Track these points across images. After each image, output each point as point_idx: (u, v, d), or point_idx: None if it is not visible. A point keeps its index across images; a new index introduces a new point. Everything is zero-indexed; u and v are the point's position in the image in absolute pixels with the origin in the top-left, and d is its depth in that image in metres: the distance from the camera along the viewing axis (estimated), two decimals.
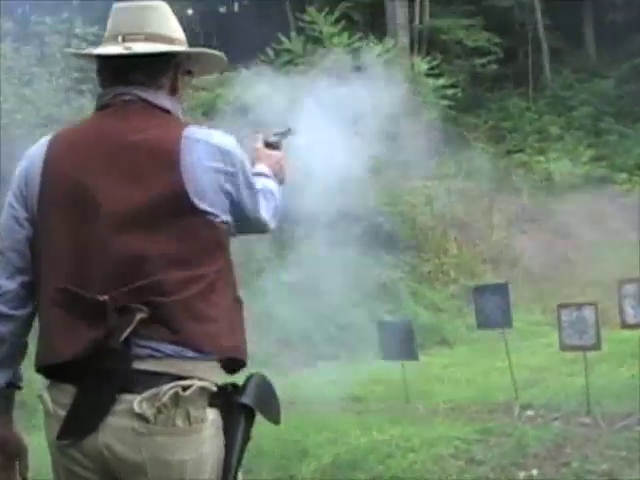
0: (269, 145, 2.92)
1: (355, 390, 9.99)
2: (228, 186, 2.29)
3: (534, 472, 5.69)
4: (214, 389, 2.18)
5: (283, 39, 17.93)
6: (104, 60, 2.39)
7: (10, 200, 2.32)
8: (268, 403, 2.36)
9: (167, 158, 2.20)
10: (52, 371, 2.22)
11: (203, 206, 2.21)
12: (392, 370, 9.12)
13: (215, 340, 2.19)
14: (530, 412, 7.75)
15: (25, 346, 2.33)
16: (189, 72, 2.51)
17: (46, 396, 2.23)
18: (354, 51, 15.62)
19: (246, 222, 2.42)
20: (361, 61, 15.49)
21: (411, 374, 9.35)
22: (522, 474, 5.69)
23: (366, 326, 11.47)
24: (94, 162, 2.23)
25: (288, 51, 17.68)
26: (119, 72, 2.35)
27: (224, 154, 2.28)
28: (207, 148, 2.26)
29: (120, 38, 2.35)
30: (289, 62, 17.00)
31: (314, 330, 13.17)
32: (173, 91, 2.40)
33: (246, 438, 2.26)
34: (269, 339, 12.54)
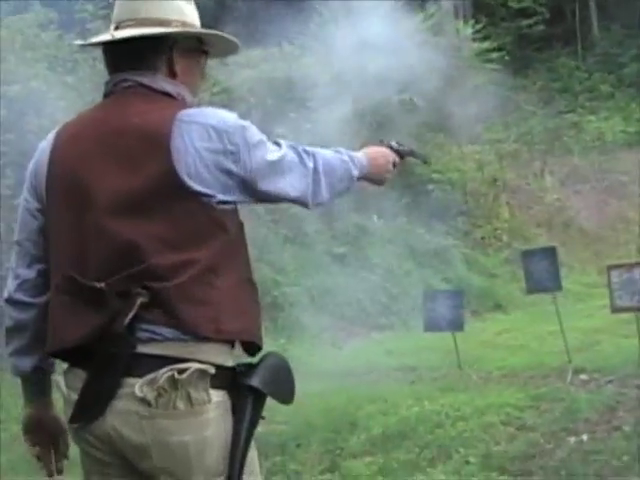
0: (391, 148, 2.78)
1: (409, 359, 10.00)
2: (229, 165, 2.23)
3: (584, 437, 5.64)
4: (212, 371, 2.16)
5: (323, 11, 17.82)
6: (104, 49, 2.41)
7: (24, 193, 2.40)
8: (279, 384, 2.32)
9: (158, 142, 2.19)
10: (64, 356, 2.27)
11: (198, 188, 2.18)
12: (445, 338, 9.11)
13: (214, 323, 2.17)
14: (583, 376, 7.68)
15: (46, 332, 2.37)
16: (204, 52, 2.47)
17: (61, 381, 2.29)
18: (398, 18, 15.44)
19: (266, 197, 2.34)
20: (406, 27, 15.38)
21: (464, 341, 9.33)
22: (572, 439, 5.65)
23: (419, 295, 11.43)
24: (92, 150, 2.26)
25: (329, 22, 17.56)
26: (115, 59, 2.37)
27: (219, 132, 2.23)
28: (199, 128, 2.22)
29: (113, 26, 2.37)
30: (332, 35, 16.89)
31: (367, 301, 13.20)
32: (171, 74, 2.37)
33: (255, 419, 2.25)
34: (323, 312, 12.58)
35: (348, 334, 12.30)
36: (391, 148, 2.77)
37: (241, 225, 2.34)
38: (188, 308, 2.14)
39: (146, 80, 2.32)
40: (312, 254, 13.53)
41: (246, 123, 2.30)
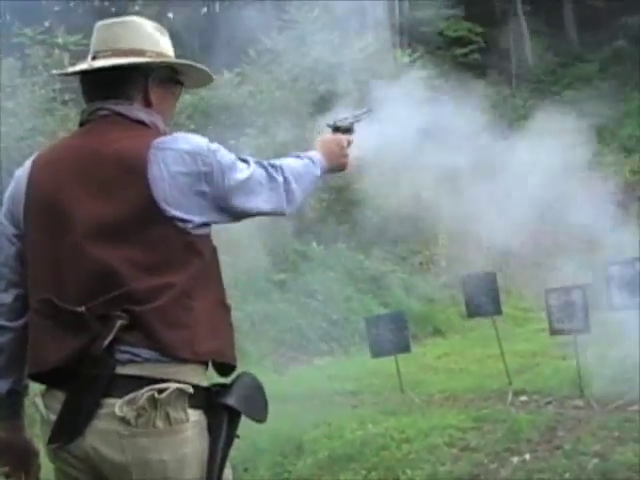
0: (337, 129, 2.86)
1: (350, 384, 10.05)
2: (203, 186, 2.30)
3: (527, 456, 5.75)
4: (190, 391, 2.22)
5: (264, 39, 17.95)
6: (81, 78, 2.47)
7: (1, 218, 2.44)
8: (253, 403, 2.40)
9: (135, 169, 2.25)
10: (43, 378, 2.30)
11: (175, 213, 2.25)
12: (387, 362, 9.19)
13: (190, 346, 2.24)
14: (524, 397, 7.82)
15: (25, 355, 2.39)
16: (178, 82, 2.56)
17: (39, 402, 2.32)
18: (336, 47, 15.64)
19: (241, 213, 2.43)
20: (342, 57, 15.56)
21: (405, 365, 9.42)
22: (515, 459, 5.75)
23: (359, 320, 11.51)
24: (69, 177, 2.31)
25: (270, 51, 17.70)
26: (92, 88, 2.44)
27: (193, 156, 2.30)
28: (174, 154, 2.29)
29: (90, 56, 2.44)
30: (272, 61, 17.03)
31: (308, 327, 13.23)
32: (146, 103, 2.44)
33: (230, 438, 2.33)
34: (264, 338, 12.58)
35: (289, 360, 12.31)
36: (338, 129, 2.86)
37: (214, 249, 2.42)
38: (166, 330, 2.21)
39: (122, 109, 2.39)
40: (252, 280, 13.53)
41: (216, 146, 2.39)
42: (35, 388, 2.50)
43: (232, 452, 6.57)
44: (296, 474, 6.03)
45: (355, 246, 15.41)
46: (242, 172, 2.39)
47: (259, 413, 2.44)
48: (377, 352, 9.12)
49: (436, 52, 22.94)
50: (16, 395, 2.48)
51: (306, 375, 11.25)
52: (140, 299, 2.19)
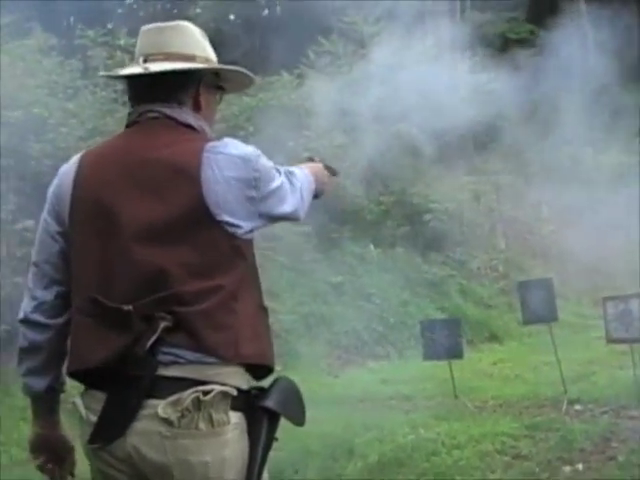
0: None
1: (404, 388, 10.02)
2: (252, 192, 2.35)
3: (579, 466, 5.68)
4: (234, 393, 2.24)
5: (323, 41, 17.96)
6: (129, 81, 2.50)
7: (44, 216, 2.46)
8: (292, 406, 2.41)
9: (188, 172, 2.28)
10: (84, 377, 2.33)
11: (224, 217, 2.28)
12: (441, 367, 9.15)
13: (235, 348, 2.26)
14: (578, 406, 7.73)
15: (64, 353, 2.43)
16: (220, 88, 2.60)
17: (79, 402, 2.33)
18: (395, 50, 15.58)
19: (275, 218, 2.49)
20: (403, 60, 15.49)
21: (460, 371, 9.37)
22: (567, 468, 5.69)
23: (415, 324, 11.45)
24: (119, 178, 2.34)
25: (330, 53, 17.71)
26: (142, 91, 2.46)
27: (245, 161, 2.35)
28: (227, 159, 2.33)
29: (142, 59, 2.45)
30: (330, 64, 17.03)
31: (363, 330, 13.22)
32: (197, 107, 2.47)
33: (270, 440, 2.33)
34: (319, 340, 12.60)
35: (344, 362, 12.31)
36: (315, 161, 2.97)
37: (254, 254, 2.43)
38: (211, 332, 2.23)
39: (172, 112, 2.42)
40: (309, 282, 13.55)
41: (259, 152, 2.43)
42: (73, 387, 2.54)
43: (282, 454, 6.63)
44: (345, 478, 6.03)
45: (413, 250, 15.35)
46: (278, 179, 2.46)
47: (298, 416, 2.45)
48: (430, 356, 9.09)
49: (497, 54, 22.76)
50: (53, 392, 2.51)
51: (360, 378, 11.23)
52: (187, 301, 2.21)
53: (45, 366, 2.46)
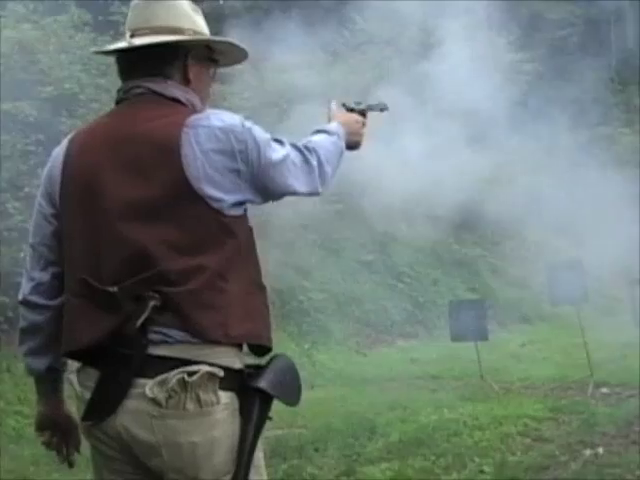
0: (352, 111, 2.84)
1: (432, 368, 10.03)
2: (237, 164, 2.28)
3: (600, 450, 5.64)
4: (221, 374, 2.21)
5: (358, 19, 17.88)
6: (118, 57, 2.46)
7: (38, 198, 2.46)
8: (286, 386, 2.37)
9: (168, 147, 2.24)
10: (77, 355, 2.33)
11: (206, 191, 2.23)
12: (470, 348, 9.12)
13: (223, 329, 2.23)
14: (605, 389, 7.68)
15: (60, 333, 2.41)
16: (214, 61, 2.53)
17: (74, 379, 2.34)
18: (429, 28, 15.49)
19: (275, 193, 2.42)
20: (438, 38, 15.39)
21: (488, 352, 9.35)
22: (588, 452, 5.65)
23: (445, 304, 11.42)
24: (104, 157, 2.32)
25: (364, 31, 17.61)
26: (129, 66, 2.42)
27: (227, 133, 2.28)
28: (206, 131, 2.27)
29: (128, 34, 2.41)
30: (366, 42, 16.96)
31: (393, 309, 13.22)
32: (185, 81, 2.42)
33: (262, 420, 2.31)
34: (349, 318, 12.62)
35: (373, 341, 12.33)
36: (353, 110, 2.84)
37: (250, 230, 2.39)
38: (198, 312, 2.20)
39: (157, 87, 2.37)
40: (340, 260, 13.57)
41: (250, 123, 2.37)
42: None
43: (304, 432, 6.65)
44: (365, 456, 6.03)
45: (445, 229, 15.29)
46: (277, 152, 2.37)
47: (292, 397, 2.41)
48: (456, 337, 9.09)
49: (534, 34, 22.52)
50: (55, 372, 2.51)
51: (389, 357, 11.26)
52: (172, 280, 2.19)
53: (45, 346, 2.47)
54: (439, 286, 14.17)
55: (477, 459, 5.66)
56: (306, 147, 2.46)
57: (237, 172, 2.29)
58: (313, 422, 6.96)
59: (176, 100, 2.38)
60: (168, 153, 2.23)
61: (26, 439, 6.81)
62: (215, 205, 2.25)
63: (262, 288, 2.41)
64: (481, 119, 16.38)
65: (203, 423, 2.20)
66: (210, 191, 2.24)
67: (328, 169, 2.51)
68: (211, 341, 2.21)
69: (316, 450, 6.22)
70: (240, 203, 2.32)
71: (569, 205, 18.19)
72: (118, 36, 10.60)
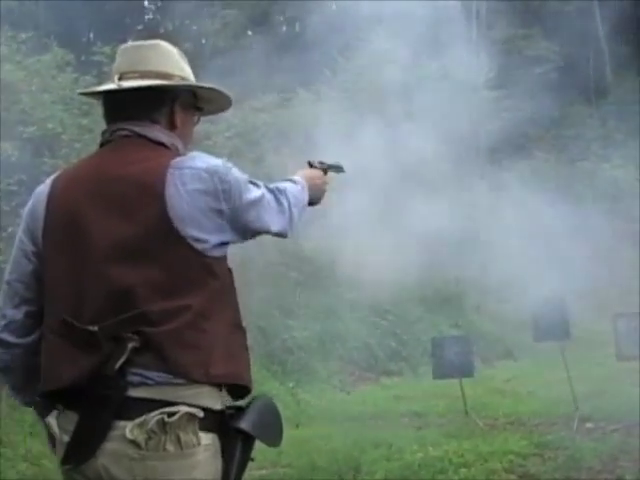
0: (313, 167, 2.94)
1: (416, 405, 10.00)
2: (221, 205, 2.31)
3: None
4: (200, 415, 2.21)
5: (340, 59, 18.02)
6: (104, 98, 2.49)
7: (20, 235, 2.45)
8: (268, 427, 2.38)
9: (152, 189, 2.26)
10: (57, 397, 2.30)
11: (189, 232, 2.24)
12: (454, 384, 9.12)
13: (204, 368, 2.23)
14: (590, 424, 7.69)
15: (38, 369, 2.38)
16: (198, 109, 2.57)
17: (53, 423, 2.31)
18: (411, 67, 15.62)
19: (252, 232, 2.45)
20: (421, 75, 15.53)
21: (473, 388, 9.34)
22: None
23: (429, 340, 11.42)
24: (88, 197, 2.33)
25: (346, 70, 17.74)
26: (115, 108, 2.45)
27: (211, 174, 2.30)
28: (193, 172, 2.29)
29: (117, 77, 2.44)
30: (347, 80, 17.07)
31: (377, 346, 13.20)
32: (172, 126, 2.45)
33: (245, 461, 2.31)
34: (332, 356, 12.59)
35: (357, 379, 12.30)
36: (316, 167, 2.94)
37: (230, 271, 2.40)
38: (179, 352, 2.20)
39: (143, 130, 2.39)
40: (323, 298, 13.55)
41: (231, 164, 2.40)
42: None
43: (289, 471, 6.61)
44: None
45: (425, 266, 15.30)
46: (254, 192, 2.42)
47: (274, 437, 2.41)
48: (440, 374, 9.06)
49: (514, 71, 22.75)
50: (45, 399, 2.41)
51: (373, 394, 11.23)
52: (154, 321, 2.19)
53: (25, 382, 2.47)
54: (422, 323, 14.17)
55: None
56: (277, 189, 2.53)
57: (220, 212, 2.31)
58: (298, 461, 6.92)
59: (160, 144, 2.40)
60: (153, 193, 2.25)
61: None
62: (198, 246, 2.26)
63: (242, 329, 2.42)
64: (460, 156, 16.51)
65: (184, 465, 2.19)
66: (193, 232, 2.26)
67: (295, 212, 2.57)
68: (192, 380, 2.21)
69: None
70: (222, 244, 2.34)
71: (549, 239, 18.30)
72: (101, 76, 10.68)
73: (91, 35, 17.70)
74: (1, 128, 9.33)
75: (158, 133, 2.41)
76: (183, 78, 2.49)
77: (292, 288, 13.12)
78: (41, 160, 9.74)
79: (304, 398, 10.83)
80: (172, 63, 2.49)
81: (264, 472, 6.42)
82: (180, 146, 2.45)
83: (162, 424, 2.15)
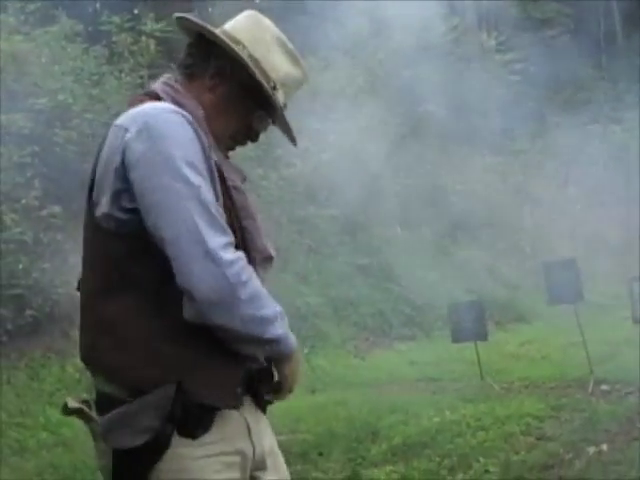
0: None
1: (431, 370, 10.04)
2: (133, 173, 1.90)
3: (604, 447, 5.66)
4: None
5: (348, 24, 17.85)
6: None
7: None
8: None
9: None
10: None
11: (102, 209, 1.98)
12: (468, 349, 9.17)
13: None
14: (605, 387, 7.70)
15: None
16: (262, 108, 2.20)
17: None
18: (421, 31, 15.52)
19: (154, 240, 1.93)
20: (431, 39, 15.44)
21: (487, 353, 9.36)
22: (592, 449, 5.67)
23: (442, 306, 11.44)
24: None
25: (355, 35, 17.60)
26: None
27: (139, 130, 1.92)
28: (115, 129, 1.99)
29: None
30: (356, 46, 16.95)
31: (390, 312, 13.22)
32: (211, 91, 2.14)
33: None
34: (346, 322, 12.61)
35: (371, 345, 12.32)
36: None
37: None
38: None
39: (154, 83, 2.16)
40: (336, 265, 13.55)
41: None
42: None
43: (308, 437, 6.64)
44: (369, 460, 6.05)
45: (440, 231, 15.32)
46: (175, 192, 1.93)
47: None
48: (457, 338, 9.14)
49: (524, 35, 22.57)
50: None
51: (387, 360, 11.25)
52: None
53: None
54: (435, 288, 14.15)
55: (482, 459, 5.69)
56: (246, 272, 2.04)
57: (123, 179, 2.03)
58: (315, 427, 6.97)
59: (154, 95, 2.11)
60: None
61: (29, 451, 6.80)
62: (109, 225, 2.03)
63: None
64: (467, 119, 16.45)
65: None
66: (103, 208, 2.02)
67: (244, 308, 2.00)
68: None
69: (320, 455, 6.24)
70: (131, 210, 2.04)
71: (562, 203, 18.28)
72: (110, 45, 10.60)
73: (97, 5, 17.58)
74: (12, 100, 9.32)
75: (156, 83, 2.15)
76: (251, 55, 2.14)
77: (305, 255, 13.11)
78: (53, 131, 9.73)
79: (319, 364, 10.87)
80: (249, 33, 2.19)
81: (283, 438, 6.46)
82: (191, 108, 2.06)
83: None
